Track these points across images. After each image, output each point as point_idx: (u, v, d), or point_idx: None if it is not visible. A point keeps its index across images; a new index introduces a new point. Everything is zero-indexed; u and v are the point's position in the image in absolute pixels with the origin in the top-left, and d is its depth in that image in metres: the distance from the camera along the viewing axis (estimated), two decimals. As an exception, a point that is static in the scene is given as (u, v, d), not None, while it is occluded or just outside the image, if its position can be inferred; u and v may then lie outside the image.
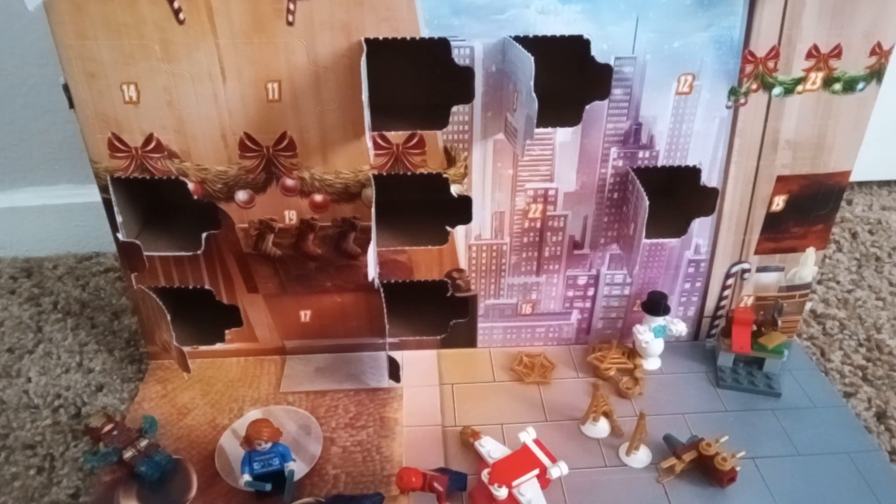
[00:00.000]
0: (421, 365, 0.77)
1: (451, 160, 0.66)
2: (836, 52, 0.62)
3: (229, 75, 0.60)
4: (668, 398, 0.73)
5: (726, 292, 0.77)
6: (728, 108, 0.65)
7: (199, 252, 0.68)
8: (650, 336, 0.75)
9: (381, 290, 0.68)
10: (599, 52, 0.61)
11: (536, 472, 0.60)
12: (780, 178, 0.70)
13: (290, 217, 0.69)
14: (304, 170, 0.66)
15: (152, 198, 0.72)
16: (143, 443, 0.65)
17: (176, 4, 0.56)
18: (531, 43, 0.58)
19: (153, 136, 0.63)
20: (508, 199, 0.70)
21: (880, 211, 1.13)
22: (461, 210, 0.69)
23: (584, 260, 0.74)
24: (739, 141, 0.67)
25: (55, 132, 0.93)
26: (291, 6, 0.57)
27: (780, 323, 0.78)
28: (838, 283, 0.94)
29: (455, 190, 0.68)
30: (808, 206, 0.72)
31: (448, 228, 0.70)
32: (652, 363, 0.77)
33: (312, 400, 0.73)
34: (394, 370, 0.74)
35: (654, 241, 0.72)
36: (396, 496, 0.62)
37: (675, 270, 0.75)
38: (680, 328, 0.75)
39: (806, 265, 0.76)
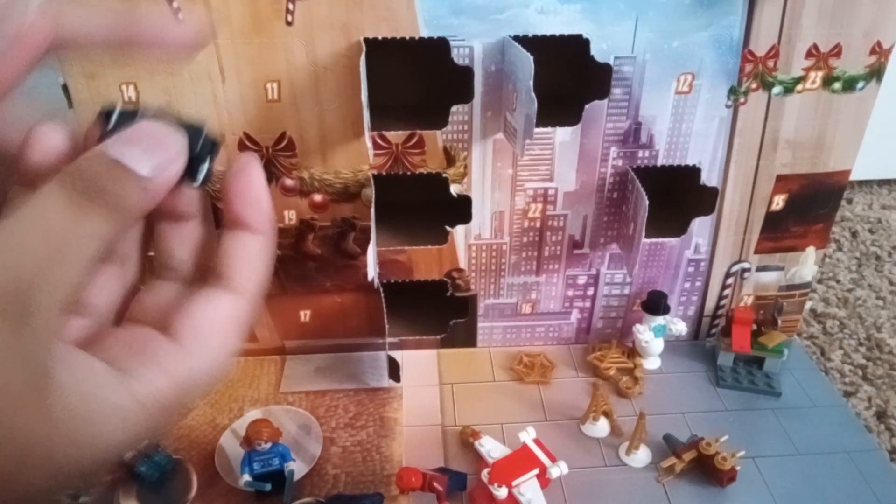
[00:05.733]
0: (421, 365, 0.77)
1: (450, 160, 0.66)
2: (836, 52, 0.62)
3: (228, 75, 0.60)
4: (668, 398, 0.73)
5: (726, 292, 0.77)
6: (728, 107, 0.65)
7: (198, 252, 0.68)
8: (650, 335, 0.75)
9: (381, 289, 0.68)
10: (599, 52, 0.61)
11: (536, 471, 0.60)
12: (779, 178, 0.70)
13: (290, 217, 0.69)
14: (303, 170, 0.66)
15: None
16: (143, 443, 0.64)
17: (175, 4, 0.56)
18: (530, 43, 0.58)
19: (152, 137, 0.62)
20: (508, 199, 0.70)
21: (880, 210, 1.13)
22: (461, 210, 0.69)
23: (583, 259, 0.74)
24: (739, 140, 0.67)
25: (55, 132, 0.93)
26: (290, 6, 0.57)
27: (780, 322, 0.78)
28: (838, 282, 0.94)
29: (454, 190, 0.68)
30: (808, 206, 0.72)
31: (448, 228, 0.70)
32: (652, 363, 0.77)
33: (312, 400, 0.73)
34: (394, 370, 0.73)
35: (654, 240, 0.72)
36: (396, 496, 0.62)
37: (675, 270, 0.75)
38: (680, 328, 0.75)
39: (806, 264, 0.76)
